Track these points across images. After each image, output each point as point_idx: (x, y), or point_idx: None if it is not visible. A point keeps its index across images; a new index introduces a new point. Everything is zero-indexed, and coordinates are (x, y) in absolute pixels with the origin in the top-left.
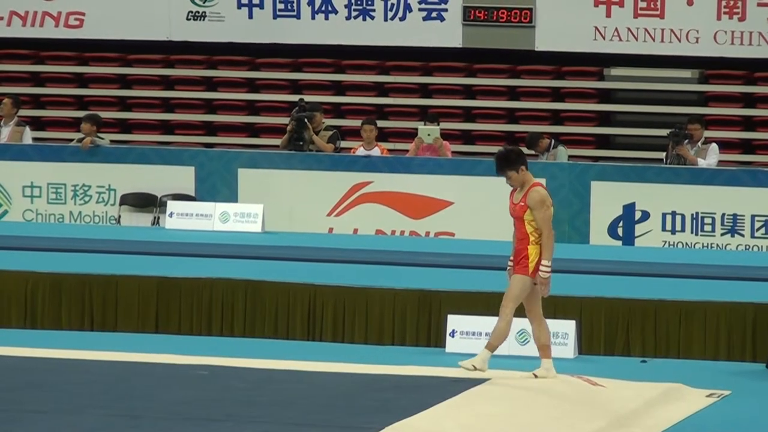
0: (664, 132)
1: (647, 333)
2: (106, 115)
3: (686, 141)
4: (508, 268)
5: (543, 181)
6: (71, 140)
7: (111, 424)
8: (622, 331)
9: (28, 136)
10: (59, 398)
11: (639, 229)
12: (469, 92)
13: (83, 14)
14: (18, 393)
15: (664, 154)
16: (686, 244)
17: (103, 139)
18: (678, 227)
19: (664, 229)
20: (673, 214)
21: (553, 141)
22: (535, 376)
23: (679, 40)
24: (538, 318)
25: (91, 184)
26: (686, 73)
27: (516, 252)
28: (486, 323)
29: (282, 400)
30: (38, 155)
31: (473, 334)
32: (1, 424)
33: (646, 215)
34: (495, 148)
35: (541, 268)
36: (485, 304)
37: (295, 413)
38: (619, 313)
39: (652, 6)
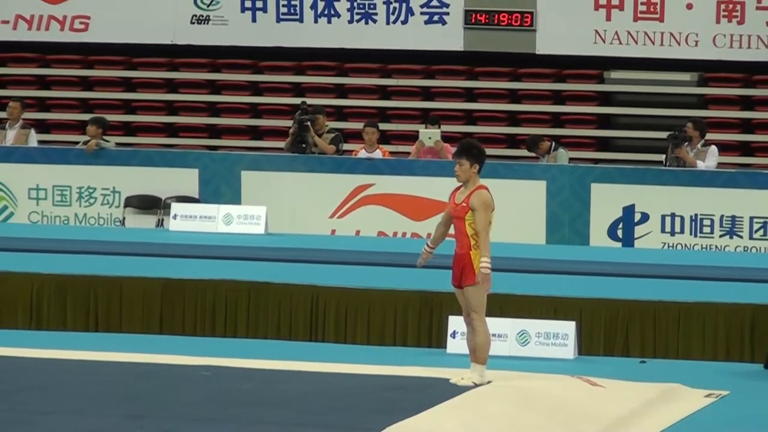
0: (664, 134)
1: (646, 334)
2: (110, 117)
3: (685, 143)
4: (425, 250)
5: (543, 183)
6: (77, 143)
7: (116, 424)
8: (622, 332)
9: (34, 138)
10: (65, 399)
11: (638, 230)
12: (470, 95)
13: (88, 18)
14: (24, 394)
15: (664, 156)
16: (685, 245)
17: (108, 141)
18: (677, 229)
19: (663, 230)
20: (672, 215)
21: (553, 144)
22: (462, 380)
23: (679, 44)
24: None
25: (96, 186)
26: (686, 76)
27: (458, 258)
28: (488, 324)
29: (285, 400)
30: (44, 158)
31: None
32: (7, 425)
33: (645, 217)
34: (496, 151)
35: (481, 264)
36: (489, 305)
37: (298, 414)
38: (618, 314)
39: (652, 9)
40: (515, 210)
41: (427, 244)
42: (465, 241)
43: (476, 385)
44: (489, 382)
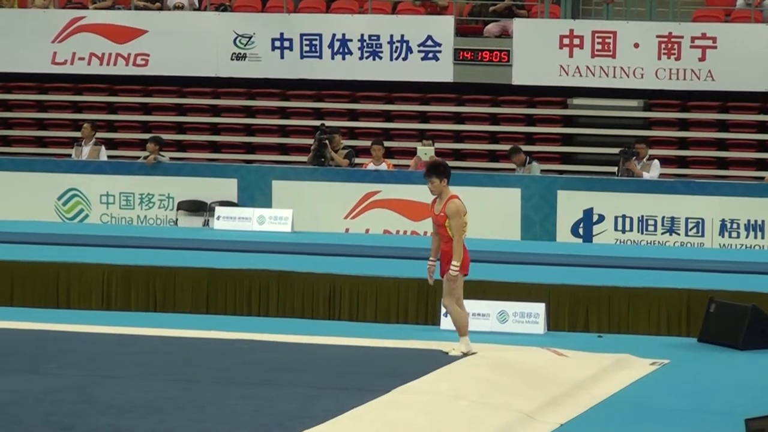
0: (616, 150)
1: (602, 313)
2: (166, 137)
3: (633, 158)
4: (429, 265)
5: (518, 190)
6: (138, 157)
7: (171, 386)
8: (583, 312)
9: (104, 154)
10: (129, 366)
11: (596, 229)
12: (458, 118)
13: (148, 55)
14: (96, 361)
15: (616, 168)
16: (634, 241)
17: (164, 156)
18: (627, 228)
19: (616, 229)
20: (623, 217)
21: (528, 158)
22: (453, 350)
23: (628, 76)
24: (453, 305)
25: (154, 192)
26: (633, 103)
27: (443, 253)
28: (473, 305)
29: (308, 367)
30: (112, 170)
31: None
32: (83, 387)
33: (601, 218)
34: (480, 164)
35: (451, 267)
36: (474, 290)
37: (319, 378)
38: (580, 297)
39: (606, 48)
40: (495, 212)
41: (429, 259)
42: (449, 242)
43: (464, 355)
44: (474, 353)
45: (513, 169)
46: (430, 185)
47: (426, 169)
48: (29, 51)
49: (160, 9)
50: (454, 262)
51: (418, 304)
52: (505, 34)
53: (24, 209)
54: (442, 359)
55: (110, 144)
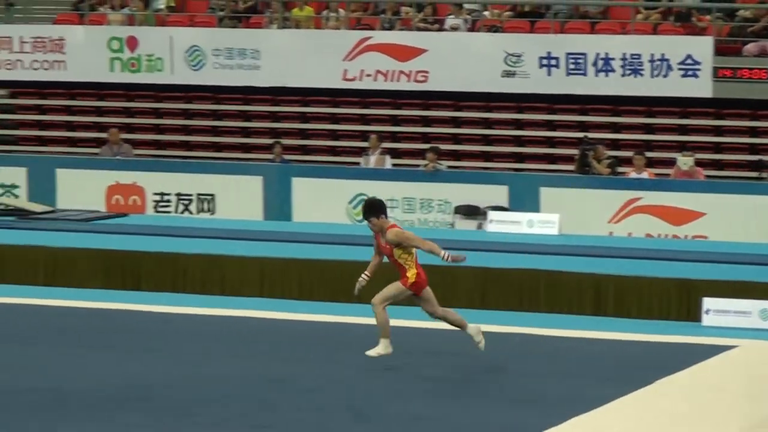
0: None
1: None
2: (443, 147)
3: None
4: (361, 279)
5: None
6: (419, 166)
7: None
8: None
9: (389, 162)
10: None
11: None
12: (717, 131)
13: (428, 72)
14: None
15: None
16: None
17: (441, 165)
18: None
19: None
20: None
21: None
22: (370, 351)
23: None
24: (441, 312)
25: (433, 198)
26: None
27: (398, 266)
28: (736, 304)
29: (576, 359)
30: (395, 177)
31: (724, 312)
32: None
33: None
34: (735, 174)
35: (443, 254)
36: (733, 289)
37: (587, 369)
38: None
39: None
40: (760, 218)
41: (365, 273)
42: (401, 269)
43: (379, 355)
44: (389, 353)
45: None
46: (370, 225)
47: (362, 212)
48: (323, 68)
49: (439, 30)
50: (443, 253)
51: (680, 301)
52: (764, 54)
53: (319, 212)
54: (704, 353)
55: (394, 153)
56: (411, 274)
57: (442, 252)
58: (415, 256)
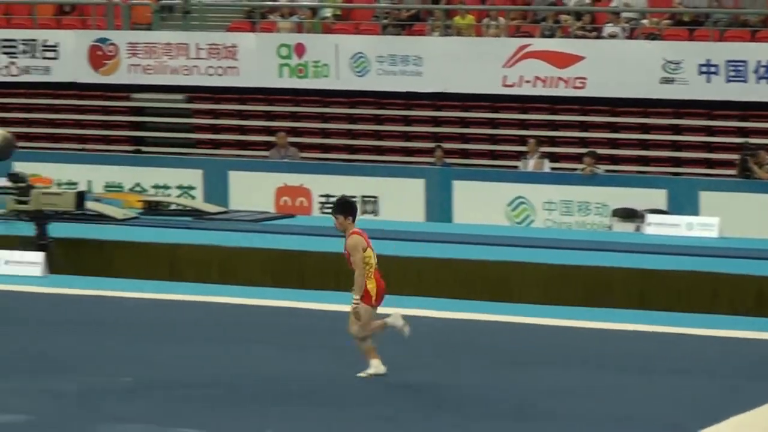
0: None
1: None
2: (600, 151)
3: None
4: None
5: None
6: (576, 170)
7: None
8: None
9: (547, 166)
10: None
11: None
12: None
13: (585, 78)
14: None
15: None
16: None
17: (599, 169)
18: None
19: None
20: None
21: None
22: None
23: None
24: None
25: (590, 201)
26: None
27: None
28: None
29: (719, 359)
30: (554, 180)
31: None
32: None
33: None
34: None
35: (352, 300)
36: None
37: (735, 370)
38: None
39: None
40: None
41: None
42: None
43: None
44: (382, 374)
45: None
46: (335, 222)
47: (333, 206)
48: (483, 73)
49: (597, 37)
50: (354, 296)
51: None
52: None
53: (479, 214)
54: None
55: (552, 157)
56: (371, 287)
57: (358, 296)
58: (374, 266)
